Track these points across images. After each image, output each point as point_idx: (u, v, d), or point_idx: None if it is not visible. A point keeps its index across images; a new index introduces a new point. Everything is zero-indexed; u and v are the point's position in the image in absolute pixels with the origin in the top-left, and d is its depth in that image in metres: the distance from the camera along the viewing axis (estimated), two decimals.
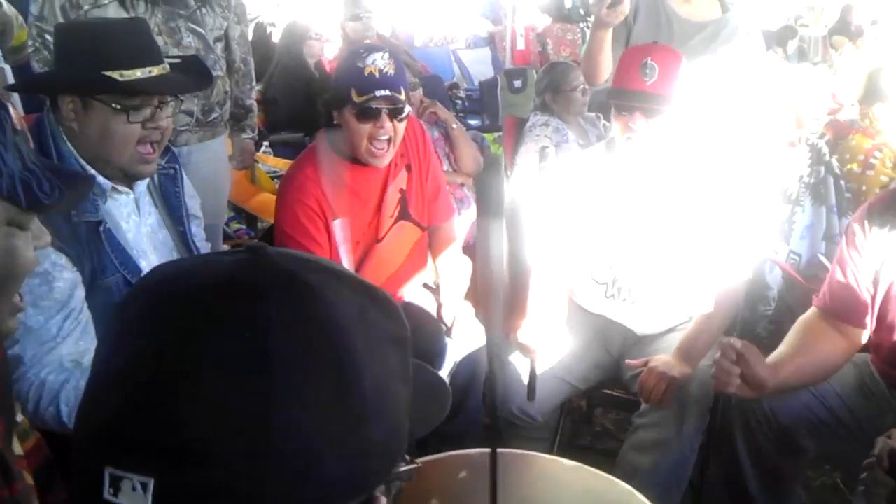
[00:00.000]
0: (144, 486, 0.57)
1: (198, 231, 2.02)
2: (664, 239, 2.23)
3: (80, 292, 1.64)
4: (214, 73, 2.78)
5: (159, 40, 2.61)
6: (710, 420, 2.08)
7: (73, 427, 0.64)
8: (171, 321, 0.61)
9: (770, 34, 5.61)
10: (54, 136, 1.70)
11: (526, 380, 2.17)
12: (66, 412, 1.55)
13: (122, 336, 0.63)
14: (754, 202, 2.37)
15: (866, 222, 1.92)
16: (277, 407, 0.58)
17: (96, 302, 1.67)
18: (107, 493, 0.58)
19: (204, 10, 2.79)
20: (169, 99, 1.77)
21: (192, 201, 2.02)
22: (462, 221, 3.28)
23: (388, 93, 2.14)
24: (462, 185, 3.69)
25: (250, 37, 3.48)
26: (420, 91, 3.85)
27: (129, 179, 1.79)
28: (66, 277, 1.61)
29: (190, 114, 2.78)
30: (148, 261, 1.82)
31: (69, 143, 1.71)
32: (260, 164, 4.24)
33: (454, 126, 3.77)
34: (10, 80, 3.65)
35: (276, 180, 4.39)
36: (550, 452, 2.24)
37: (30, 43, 2.71)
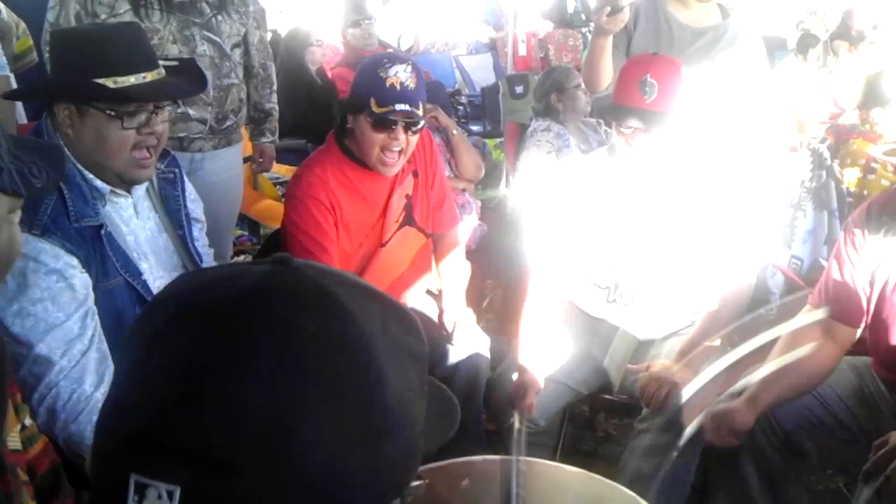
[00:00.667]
0: (171, 494, 0.57)
1: (199, 235, 2.02)
2: (666, 243, 2.23)
3: (93, 295, 1.65)
4: (229, 81, 2.79)
5: (174, 49, 2.62)
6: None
7: (95, 434, 0.64)
8: (200, 331, 0.61)
9: (772, 39, 5.61)
10: None
11: None
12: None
13: (150, 344, 0.63)
14: (756, 207, 2.38)
15: (865, 223, 1.93)
16: (304, 419, 0.58)
17: (98, 305, 1.68)
18: (131, 501, 0.58)
19: (220, 18, 2.78)
20: (164, 104, 1.77)
21: (194, 205, 2.01)
22: (464, 227, 3.29)
23: (407, 108, 2.16)
24: (463, 190, 3.70)
25: None
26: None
27: (127, 184, 1.79)
28: (80, 277, 1.62)
29: (203, 122, 2.77)
30: (149, 263, 1.82)
31: (66, 150, 1.71)
32: None
33: (455, 132, 3.78)
34: (14, 87, 3.66)
35: (278, 187, 4.40)
36: (553, 458, 2.24)
37: (46, 49, 2.72)
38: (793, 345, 2.00)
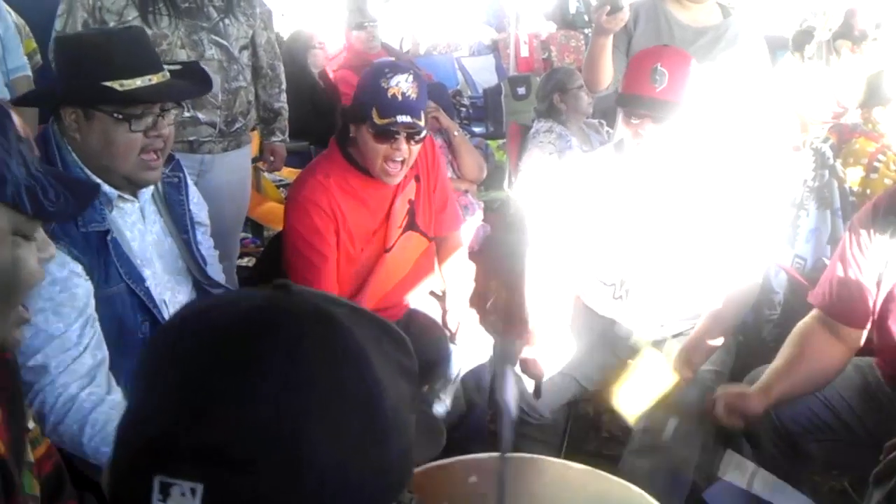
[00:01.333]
0: (194, 491, 0.61)
1: (203, 239, 2.03)
2: (672, 241, 2.24)
3: (94, 302, 1.65)
4: (238, 84, 2.80)
5: (182, 54, 2.64)
6: (714, 425, 2.08)
7: (116, 440, 0.68)
8: (214, 346, 0.67)
9: (775, 39, 5.61)
10: (59, 147, 1.72)
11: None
12: (90, 434, 1.56)
13: (166, 359, 0.68)
14: (761, 205, 2.38)
15: (871, 223, 1.92)
16: (311, 423, 0.63)
17: (100, 311, 1.68)
18: (156, 500, 0.62)
19: (227, 21, 2.79)
20: (170, 106, 1.78)
21: (198, 209, 2.02)
22: (467, 228, 3.29)
23: (409, 119, 2.15)
24: (466, 191, 3.71)
25: None
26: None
27: (134, 187, 1.80)
28: (83, 285, 1.62)
29: (213, 125, 2.78)
30: (152, 269, 1.83)
31: (74, 154, 1.72)
32: (265, 173, 4.25)
33: (456, 133, 3.78)
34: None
35: (281, 189, 4.41)
36: (558, 457, 2.24)
37: (51, 57, 2.73)
38: (801, 342, 2.01)
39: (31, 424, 1.23)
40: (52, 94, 1.83)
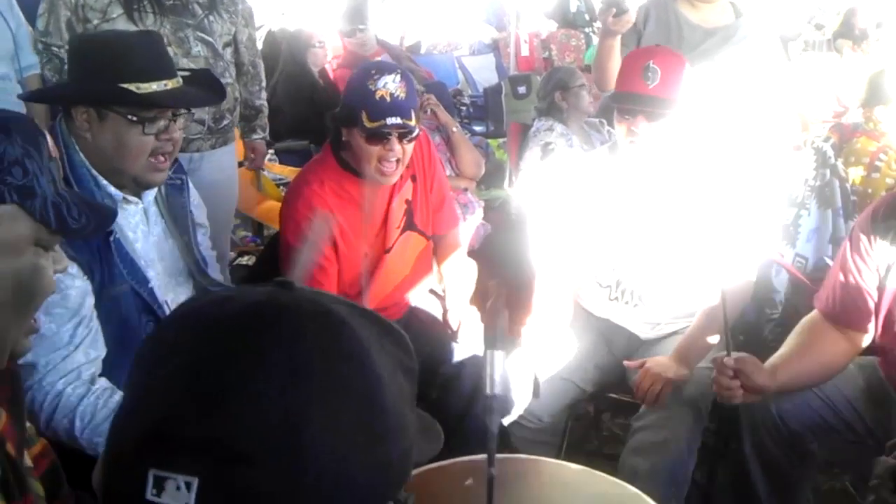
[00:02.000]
0: (188, 485, 0.61)
1: (203, 240, 2.04)
2: (668, 242, 2.23)
3: (90, 300, 1.65)
4: (224, 81, 2.80)
5: (168, 51, 2.64)
6: (718, 423, 2.07)
7: (110, 433, 0.68)
8: (213, 339, 0.66)
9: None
10: (66, 146, 1.72)
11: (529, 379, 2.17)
12: (80, 427, 1.56)
13: (164, 353, 0.68)
14: (758, 205, 2.37)
15: (871, 228, 1.91)
16: (311, 417, 0.63)
17: (103, 311, 1.68)
18: (150, 494, 0.61)
19: (211, 18, 2.80)
20: (182, 111, 1.79)
21: (198, 210, 2.03)
22: (466, 226, 3.28)
23: (399, 120, 2.13)
24: (465, 189, 3.69)
25: (260, 46, 3.49)
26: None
27: (140, 189, 1.81)
28: (77, 286, 1.62)
29: (202, 122, 2.79)
30: (155, 270, 1.83)
31: (81, 154, 1.72)
32: (265, 172, 4.25)
33: (454, 129, 3.76)
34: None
35: (281, 188, 4.40)
36: (557, 457, 2.24)
37: (44, 56, 2.73)
38: (808, 334, 2.00)
39: (26, 424, 1.23)
40: (66, 93, 1.84)
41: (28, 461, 1.17)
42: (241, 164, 3.38)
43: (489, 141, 5.23)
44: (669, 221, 2.22)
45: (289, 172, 4.29)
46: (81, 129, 1.71)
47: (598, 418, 3.04)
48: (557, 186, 2.39)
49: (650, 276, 2.28)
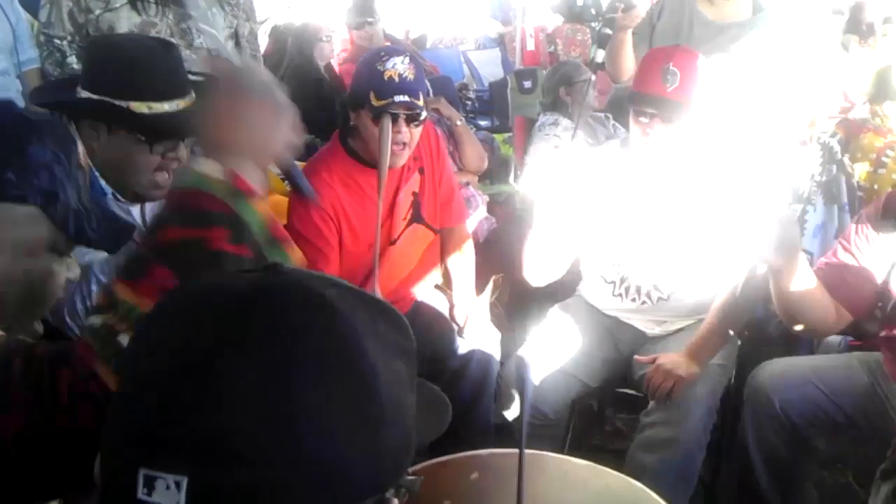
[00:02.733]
0: (178, 484, 0.60)
1: None
2: (673, 238, 2.23)
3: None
4: None
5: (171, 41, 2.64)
6: (721, 419, 2.07)
7: (103, 434, 0.67)
8: (199, 328, 0.65)
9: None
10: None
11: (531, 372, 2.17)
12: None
13: (151, 344, 0.67)
14: (765, 202, 2.37)
15: (881, 223, 1.92)
16: (305, 409, 0.62)
17: None
18: (141, 493, 0.61)
19: (214, 10, 2.79)
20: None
21: None
22: (470, 220, 3.28)
23: (406, 98, 2.15)
24: (467, 183, 3.68)
25: (265, 41, 3.48)
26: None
27: (140, 200, 1.82)
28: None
29: None
30: None
31: (88, 156, 1.73)
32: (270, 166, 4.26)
33: (458, 122, 3.76)
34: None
35: (286, 182, 4.40)
36: (562, 452, 2.24)
37: (45, 50, 2.72)
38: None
39: None
40: (77, 106, 1.81)
41: None
42: None
43: (494, 135, 5.22)
44: (675, 217, 2.22)
45: None
46: (90, 137, 1.72)
47: (602, 413, 3.05)
48: (566, 179, 2.39)
49: (654, 273, 2.28)
